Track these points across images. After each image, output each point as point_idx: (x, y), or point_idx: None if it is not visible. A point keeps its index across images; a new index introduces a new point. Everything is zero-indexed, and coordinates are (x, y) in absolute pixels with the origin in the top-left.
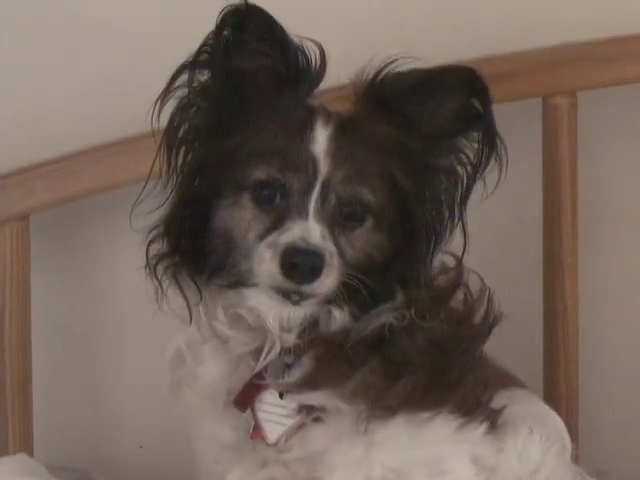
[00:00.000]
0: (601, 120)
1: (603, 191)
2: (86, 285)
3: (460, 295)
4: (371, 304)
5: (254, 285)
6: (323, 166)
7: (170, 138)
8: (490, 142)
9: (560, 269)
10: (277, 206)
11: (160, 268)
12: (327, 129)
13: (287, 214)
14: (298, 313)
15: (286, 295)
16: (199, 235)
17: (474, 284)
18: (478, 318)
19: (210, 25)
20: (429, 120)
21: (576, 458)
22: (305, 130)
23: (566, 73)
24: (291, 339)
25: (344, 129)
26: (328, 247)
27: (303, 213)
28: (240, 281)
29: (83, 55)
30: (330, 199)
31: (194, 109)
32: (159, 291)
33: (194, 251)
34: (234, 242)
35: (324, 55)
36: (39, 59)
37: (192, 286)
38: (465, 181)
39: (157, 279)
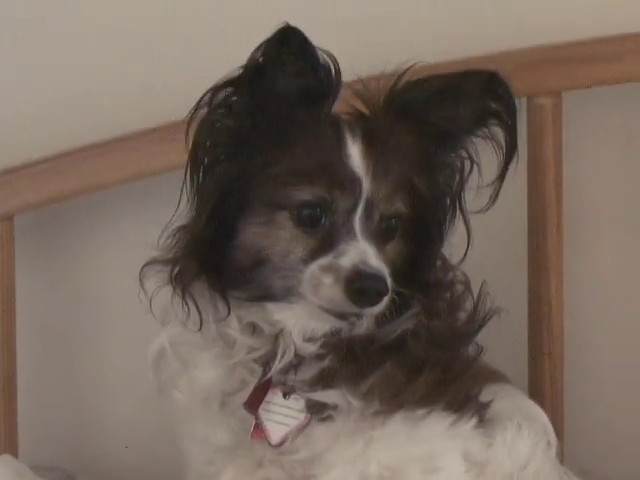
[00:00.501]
0: (586, 120)
1: (588, 191)
2: (70, 285)
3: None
4: (396, 310)
5: (290, 302)
6: (366, 184)
7: (195, 156)
8: (512, 141)
9: (545, 269)
10: (322, 226)
11: (174, 273)
12: (356, 143)
13: (335, 234)
14: (325, 326)
15: (342, 317)
16: (219, 249)
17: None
18: (466, 313)
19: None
20: (449, 124)
21: (561, 457)
22: (339, 146)
23: (551, 73)
24: (313, 349)
25: (371, 142)
26: (383, 267)
27: (351, 233)
28: (265, 296)
29: (82, 55)
30: (374, 216)
31: (219, 127)
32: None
33: (213, 263)
34: (266, 260)
35: (338, 65)
36: (38, 59)
37: (207, 295)
38: (467, 175)
39: (175, 284)
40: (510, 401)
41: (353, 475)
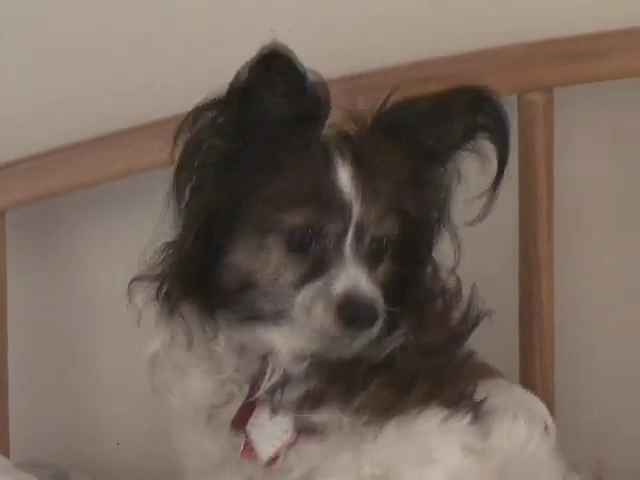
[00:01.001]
0: (577, 117)
1: (579, 188)
2: (63, 282)
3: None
4: (386, 329)
5: (280, 325)
6: (356, 207)
7: (182, 176)
8: (503, 157)
9: (536, 267)
10: (313, 251)
11: (162, 292)
12: (346, 165)
13: (326, 259)
14: (313, 345)
15: (335, 340)
16: (207, 268)
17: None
18: (460, 312)
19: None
20: (438, 142)
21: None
22: (328, 169)
23: (542, 69)
24: (301, 368)
25: (360, 163)
26: (375, 291)
27: (341, 257)
28: (254, 317)
29: (82, 55)
30: (364, 240)
31: (207, 147)
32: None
33: (200, 284)
34: (254, 284)
35: (327, 88)
36: (38, 59)
37: (195, 315)
38: (454, 189)
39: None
40: (505, 395)
41: (348, 477)
